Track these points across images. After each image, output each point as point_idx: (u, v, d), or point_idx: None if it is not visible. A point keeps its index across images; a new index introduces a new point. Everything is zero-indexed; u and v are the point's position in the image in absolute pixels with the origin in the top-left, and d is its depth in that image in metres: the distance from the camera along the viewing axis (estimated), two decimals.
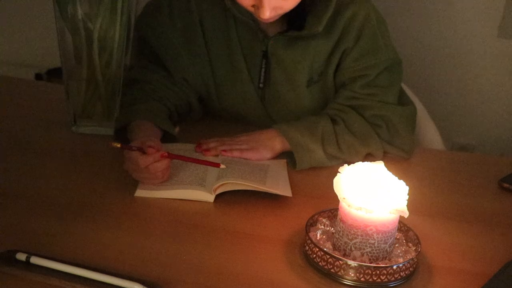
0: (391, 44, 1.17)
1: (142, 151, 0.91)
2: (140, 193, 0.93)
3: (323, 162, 1.08)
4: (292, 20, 1.11)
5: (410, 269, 0.77)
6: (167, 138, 1.09)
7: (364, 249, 0.76)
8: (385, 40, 1.15)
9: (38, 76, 2.56)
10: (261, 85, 1.17)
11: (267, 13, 0.97)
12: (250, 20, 1.10)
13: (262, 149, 1.08)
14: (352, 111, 1.14)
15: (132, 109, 1.10)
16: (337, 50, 1.14)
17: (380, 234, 0.75)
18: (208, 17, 1.15)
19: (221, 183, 0.93)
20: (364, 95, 1.14)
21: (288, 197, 0.95)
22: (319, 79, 1.17)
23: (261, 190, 0.93)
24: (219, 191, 0.93)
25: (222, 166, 0.95)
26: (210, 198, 0.92)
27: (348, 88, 1.15)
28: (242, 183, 0.93)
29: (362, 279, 0.74)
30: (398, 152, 1.15)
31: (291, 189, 0.98)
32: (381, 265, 0.75)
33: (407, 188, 0.76)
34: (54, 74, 2.49)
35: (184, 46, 1.16)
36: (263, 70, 1.16)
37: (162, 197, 0.92)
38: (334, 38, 1.13)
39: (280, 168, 1.05)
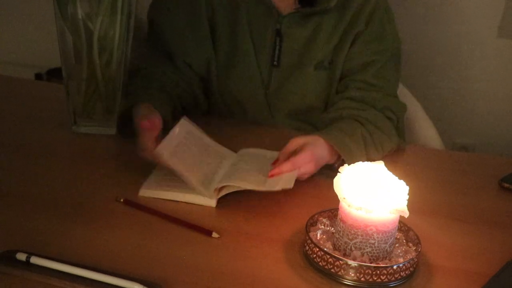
0: (397, 33, 1.19)
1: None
2: (143, 192, 0.93)
3: None
4: None
5: (410, 269, 0.77)
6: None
7: (364, 249, 0.76)
8: (391, 27, 1.18)
9: (38, 76, 2.56)
10: (275, 63, 1.18)
11: None
12: None
13: (318, 147, 1.00)
14: (369, 108, 1.14)
15: (134, 94, 1.09)
16: (349, 34, 1.15)
17: (380, 234, 0.75)
18: (217, 1, 1.16)
19: (219, 185, 0.92)
20: (372, 86, 1.15)
21: (288, 196, 0.94)
22: (329, 67, 1.18)
23: (261, 191, 0.92)
24: (221, 194, 0.92)
25: (215, 235, 0.86)
26: (212, 203, 0.92)
27: (358, 78, 1.16)
28: (240, 186, 0.91)
29: (362, 279, 0.74)
30: (398, 146, 1.16)
31: (292, 189, 0.95)
32: (381, 265, 0.75)
33: (407, 188, 0.76)
34: (54, 74, 2.49)
35: (189, 28, 1.17)
36: (277, 48, 1.16)
37: (165, 198, 0.92)
38: (346, 18, 1.14)
39: None
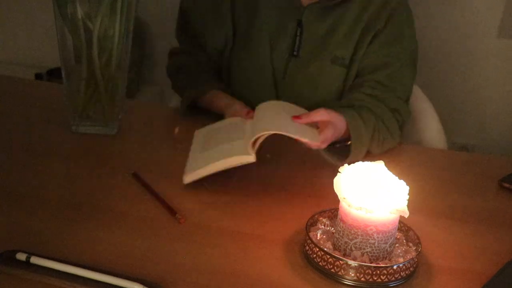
0: (415, 35, 1.20)
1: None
2: (186, 178, 0.95)
3: (362, 157, 1.07)
4: None
5: (410, 269, 0.77)
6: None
7: (364, 249, 0.76)
8: (410, 30, 1.18)
9: (38, 76, 2.56)
10: (295, 53, 1.19)
11: None
12: None
13: (339, 125, 1.04)
14: (382, 106, 1.14)
15: (198, 84, 1.20)
16: (369, 31, 1.16)
17: (380, 234, 0.75)
18: None
19: (253, 139, 0.92)
20: (385, 87, 1.15)
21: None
22: (349, 65, 1.18)
23: (290, 136, 0.93)
24: (256, 147, 0.93)
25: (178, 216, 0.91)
26: (251, 158, 0.92)
27: (372, 78, 1.16)
28: (270, 130, 0.92)
29: (362, 279, 0.74)
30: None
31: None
32: (381, 265, 0.75)
33: (407, 188, 0.76)
34: (54, 74, 2.49)
35: (213, 18, 1.22)
36: (297, 38, 1.18)
37: (208, 173, 0.93)
38: (368, 13, 1.15)
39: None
